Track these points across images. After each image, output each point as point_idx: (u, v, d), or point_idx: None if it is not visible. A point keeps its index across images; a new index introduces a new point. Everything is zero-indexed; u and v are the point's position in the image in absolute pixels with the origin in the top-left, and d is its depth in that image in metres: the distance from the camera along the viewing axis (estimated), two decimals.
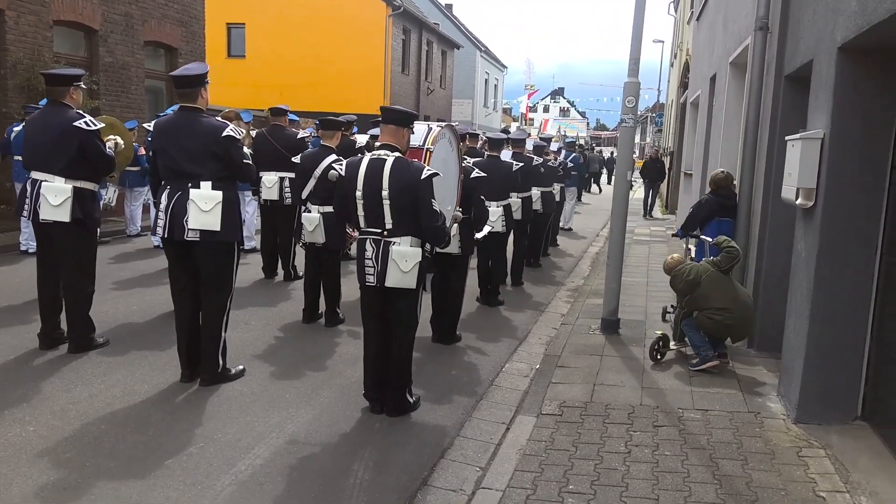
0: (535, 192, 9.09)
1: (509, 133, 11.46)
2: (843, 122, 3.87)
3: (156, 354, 5.09)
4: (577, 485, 3.49)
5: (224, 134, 4.36)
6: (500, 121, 45.94)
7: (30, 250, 8.38)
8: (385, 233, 4.06)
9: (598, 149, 34.37)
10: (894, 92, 3.82)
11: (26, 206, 4.93)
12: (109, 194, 9.86)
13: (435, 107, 31.49)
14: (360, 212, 4.07)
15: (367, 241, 4.10)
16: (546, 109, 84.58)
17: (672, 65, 24.59)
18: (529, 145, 9.44)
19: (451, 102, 34.99)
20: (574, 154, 14.97)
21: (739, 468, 3.66)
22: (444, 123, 4.83)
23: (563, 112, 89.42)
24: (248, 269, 8.35)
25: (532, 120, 63.46)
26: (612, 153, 32.47)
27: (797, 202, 4.16)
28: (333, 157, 5.77)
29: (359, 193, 4.03)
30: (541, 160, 9.12)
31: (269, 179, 7.68)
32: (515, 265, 8.54)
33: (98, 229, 5.28)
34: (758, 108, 5.65)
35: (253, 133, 8.28)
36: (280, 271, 8.05)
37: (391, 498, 3.34)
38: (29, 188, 4.93)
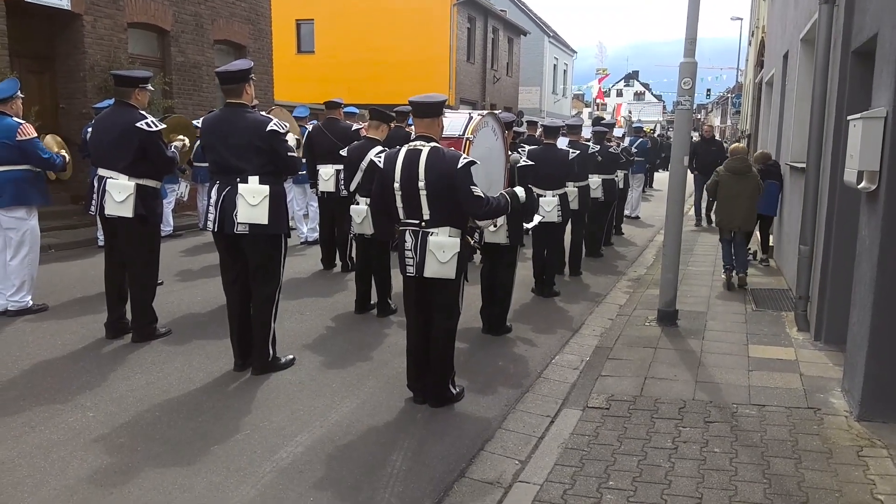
0: (595, 180, 8.90)
1: (581, 121, 11.26)
2: None
3: (213, 344, 5.29)
4: (617, 481, 3.40)
5: (268, 129, 4.46)
6: (570, 107, 45.15)
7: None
8: (423, 223, 4.06)
9: (670, 133, 33.25)
10: None
11: (93, 202, 5.21)
12: (181, 189, 10.32)
13: (502, 95, 31.25)
14: (399, 203, 4.09)
15: (407, 231, 4.11)
16: (619, 94, 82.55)
17: (750, 43, 23.50)
18: (587, 133, 9.23)
19: (518, 90, 34.64)
20: (641, 139, 14.54)
21: (792, 467, 3.47)
22: (486, 112, 4.77)
23: (638, 96, 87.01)
24: (309, 260, 8.57)
25: (605, 105, 62.08)
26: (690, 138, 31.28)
27: (860, 186, 3.89)
28: (378, 148, 5.80)
29: (396, 185, 4.04)
30: (598, 147, 8.89)
31: (326, 172, 7.83)
32: (573, 255, 8.39)
33: (163, 223, 5.51)
34: (824, 85, 5.31)
35: (309, 126, 8.45)
36: (338, 262, 8.20)
37: (426, 488, 3.35)
38: (95, 184, 5.20)
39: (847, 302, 4.61)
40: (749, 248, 8.53)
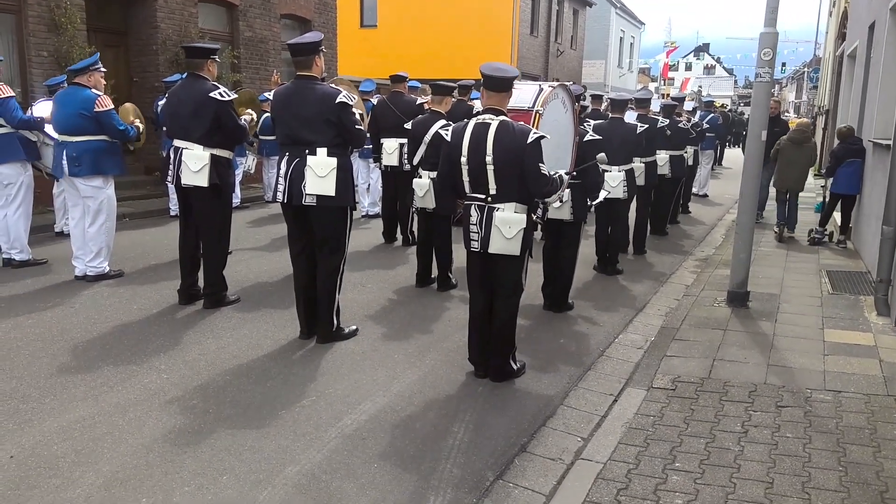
0: (663, 156, 8.64)
1: (650, 94, 10.85)
2: None
3: (279, 312, 5.42)
4: (683, 462, 3.32)
5: (337, 100, 4.48)
6: (636, 81, 43.90)
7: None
8: (489, 198, 4.01)
9: (741, 110, 31.90)
10: None
11: (170, 172, 5.37)
12: (248, 162, 10.56)
13: (565, 69, 30.61)
14: (465, 177, 4.05)
15: (472, 206, 4.08)
16: (689, 67, 79.78)
17: (830, 14, 22.23)
18: (655, 106, 8.94)
19: (582, 64, 33.86)
20: (712, 114, 14.00)
21: (870, 456, 3.33)
22: (556, 83, 4.65)
23: (708, 70, 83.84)
24: (370, 234, 8.66)
25: (672, 79, 60.10)
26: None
27: None
28: (442, 122, 5.76)
29: (463, 159, 4.00)
30: (667, 122, 8.61)
31: (390, 146, 7.84)
32: (638, 233, 8.19)
33: (233, 194, 5.66)
34: None
35: (374, 100, 8.47)
36: (399, 236, 8.25)
37: (488, 461, 3.35)
38: (172, 155, 5.36)
39: None
40: (826, 230, 8.70)
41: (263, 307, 5.56)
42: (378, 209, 9.64)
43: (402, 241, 8.17)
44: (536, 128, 4.17)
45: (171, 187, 9.16)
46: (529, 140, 3.87)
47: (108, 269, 6.27)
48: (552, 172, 4.06)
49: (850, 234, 8.71)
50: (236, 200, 10.51)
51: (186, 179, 5.23)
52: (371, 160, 9.17)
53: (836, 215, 8.80)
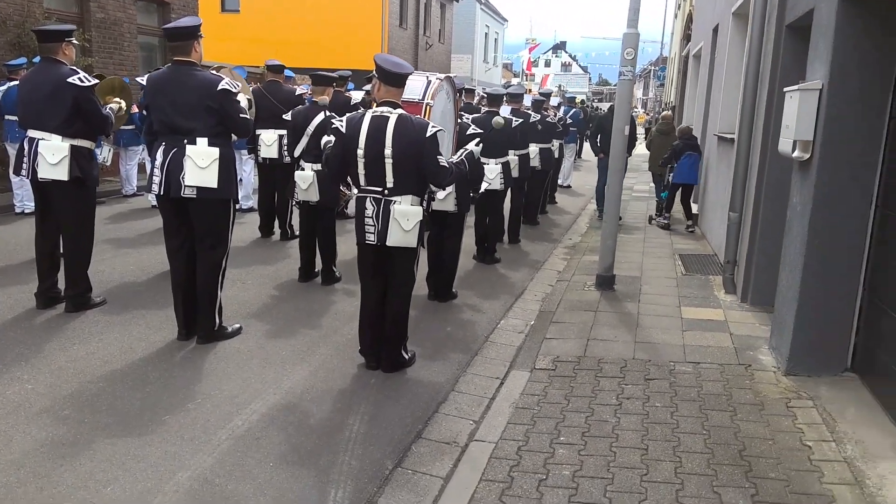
0: (534, 149, 9.01)
1: (523, 89, 11.24)
2: (842, 73, 3.81)
3: (153, 313, 5.13)
4: (568, 436, 3.54)
5: (219, 87, 4.30)
6: (500, 76, 45.26)
7: (25, 210, 8.36)
8: (386, 191, 4.03)
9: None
10: (894, 40, 3.74)
11: (24, 165, 4.90)
12: (104, 154, 9.78)
13: (434, 62, 30.98)
14: (361, 170, 4.03)
15: (368, 199, 4.07)
16: (547, 64, 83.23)
17: (676, 16, 24.11)
18: (527, 101, 9.32)
19: (450, 57, 34.43)
20: (574, 110, 14.79)
21: (728, 419, 3.71)
22: (443, 76, 4.74)
23: (565, 67, 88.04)
24: (246, 229, 8.36)
25: (533, 75, 62.51)
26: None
27: (794, 155, 4.12)
28: (325, 113, 5.69)
29: (360, 152, 3.98)
30: (538, 116, 9.01)
31: (268, 137, 7.62)
32: (513, 223, 8.52)
33: (96, 188, 5.26)
34: (758, 59, 5.55)
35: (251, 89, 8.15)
36: (277, 230, 8.04)
37: (386, 450, 3.39)
38: (26, 147, 4.89)
39: (773, 266, 4.91)
40: (669, 215, 9.92)
41: (134, 308, 5.24)
42: (252, 203, 9.33)
43: (281, 236, 7.98)
44: (428, 119, 4.24)
45: (17, 181, 8.39)
46: (428, 134, 3.94)
47: None
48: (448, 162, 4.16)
49: (696, 220, 9.57)
50: None
51: (44, 173, 4.80)
52: (244, 152, 8.85)
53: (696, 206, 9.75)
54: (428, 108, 4.30)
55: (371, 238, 4.07)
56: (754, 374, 4.32)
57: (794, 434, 3.54)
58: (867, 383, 3.98)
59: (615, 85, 6.46)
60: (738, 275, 5.98)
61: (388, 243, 4.03)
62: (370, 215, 4.04)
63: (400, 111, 3.96)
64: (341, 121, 4.07)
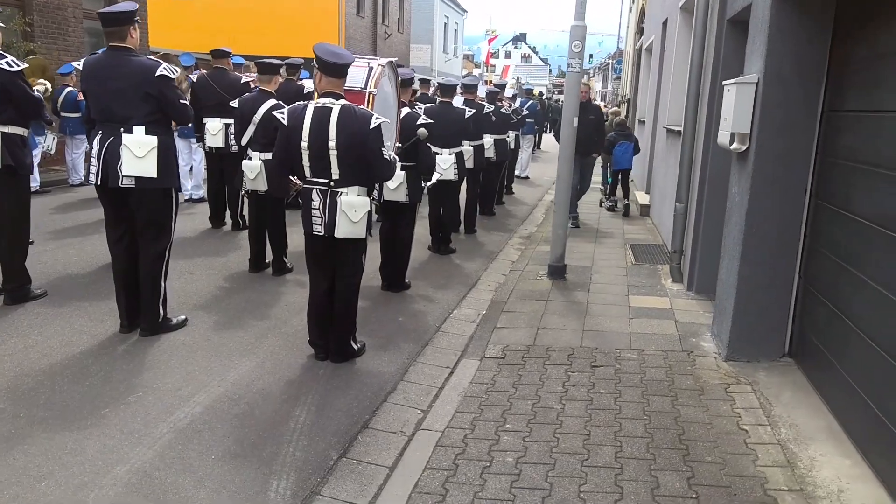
0: (489, 140, 9.06)
1: (478, 80, 11.26)
2: (777, 66, 3.92)
3: (95, 305, 5.01)
4: (513, 423, 3.59)
5: (157, 73, 4.21)
6: (460, 67, 45.23)
7: None
8: (331, 183, 4.00)
9: (556, 97, 34.15)
10: (827, 35, 3.86)
11: None
12: (49, 142, 9.50)
13: (393, 52, 30.77)
14: (306, 162, 3.99)
15: (314, 191, 4.04)
16: (508, 56, 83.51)
17: (630, 10, 24.41)
18: (482, 92, 9.34)
19: (410, 48, 34.26)
20: (531, 101, 14.90)
21: (669, 404, 3.81)
22: (385, 61, 4.70)
23: (525, 58, 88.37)
24: (195, 219, 8.22)
25: (493, 66, 62.64)
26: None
27: (732, 147, 4.23)
28: (273, 101, 5.62)
29: (304, 144, 3.93)
30: (492, 107, 9.04)
31: (214, 126, 7.48)
32: (468, 213, 8.55)
33: (31, 177, 5.09)
34: (702, 52, 5.67)
35: (194, 77, 8.00)
36: (228, 220, 7.92)
37: (331, 441, 3.38)
38: None
39: (716, 255, 5.04)
40: (615, 198, 10.64)
41: (75, 300, 5.10)
42: (202, 192, 9.16)
43: (232, 226, 7.85)
44: (371, 108, 4.21)
45: None
46: (372, 126, 3.91)
47: None
48: (390, 155, 4.14)
49: (646, 211, 9.81)
50: (35, 184, 9.45)
51: None
52: (193, 140, 8.68)
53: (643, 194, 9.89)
54: (371, 96, 4.27)
55: (319, 230, 4.04)
56: (696, 360, 4.44)
57: (732, 418, 3.65)
58: (803, 368, 4.12)
59: None
60: (684, 264, 6.12)
61: (336, 235, 4.00)
62: (317, 207, 4.01)
63: (343, 102, 3.93)
64: (283, 113, 4.01)
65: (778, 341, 4.28)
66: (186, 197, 9.36)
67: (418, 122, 5.56)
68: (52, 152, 9.63)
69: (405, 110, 5.56)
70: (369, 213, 4.05)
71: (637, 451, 3.31)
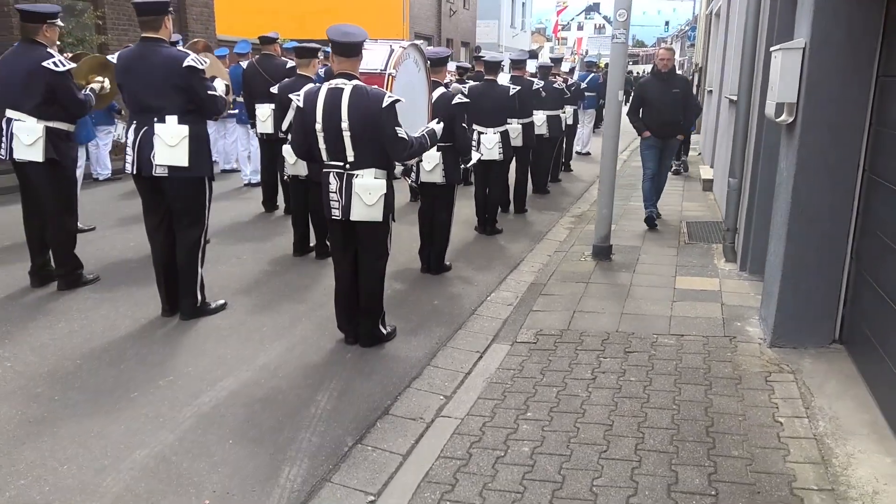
0: (540, 116, 8.82)
1: (537, 56, 10.99)
2: (825, 29, 3.58)
3: (142, 290, 5.19)
4: (535, 412, 3.49)
5: (185, 64, 4.28)
6: (529, 41, 44.35)
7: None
8: (347, 165, 3.98)
9: (630, 69, 32.98)
10: None
11: (3, 145, 4.98)
12: (119, 131, 9.93)
13: (458, 29, 30.50)
14: (322, 144, 3.98)
15: (331, 174, 4.03)
16: (580, 27, 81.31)
17: None
18: (532, 67, 9.09)
19: (476, 24, 33.83)
20: (593, 74, 14.41)
21: (701, 393, 3.61)
22: (407, 43, 4.62)
23: (599, 29, 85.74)
24: (250, 203, 8.42)
25: (565, 39, 61.13)
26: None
27: (778, 118, 3.92)
28: (311, 86, 5.61)
29: (318, 126, 3.93)
30: (542, 83, 8.78)
31: (263, 112, 7.58)
32: (518, 193, 8.38)
33: (75, 168, 5.31)
34: (757, 15, 5.28)
35: (244, 64, 8.14)
36: (281, 205, 8.07)
37: (348, 427, 3.39)
38: (4, 126, 4.96)
39: (769, 233, 4.72)
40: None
41: (125, 285, 5.32)
42: (259, 177, 9.35)
43: (285, 210, 7.99)
44: (391, 90, 4.15)
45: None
46: (384, 104, 3.85)
47: None
48: (413, 133, 4.07)
49: (701, 179, 9.55)
50: (106, 172, 9.95)
51: (19, 153, 4.87)
52: (250, 126, 8.86)
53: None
54: (391, 78, 4.19)
55: (336, 213, 4.03)
56: (738, 346, 4.19)
57: (768, 409, 3.43)
58: (853, 356, 3.82)
59: (652, 46, 5.95)
60: (738, 242, 5.79)
61: (351, 218, 3.98)
62: (334, 190, 4.00)
63: (355, 82, 3.88)
64: (299, 95, 4.01)
65: (827, 327, 3.98)
66: (245, 182, 9.61)
67: (454, 102, 5.47)
68: (123, 140, 10.04)
69: (439, 90, 5.46)
70: (388, 196, 3.99)
71: (659, 443, 3.16)
